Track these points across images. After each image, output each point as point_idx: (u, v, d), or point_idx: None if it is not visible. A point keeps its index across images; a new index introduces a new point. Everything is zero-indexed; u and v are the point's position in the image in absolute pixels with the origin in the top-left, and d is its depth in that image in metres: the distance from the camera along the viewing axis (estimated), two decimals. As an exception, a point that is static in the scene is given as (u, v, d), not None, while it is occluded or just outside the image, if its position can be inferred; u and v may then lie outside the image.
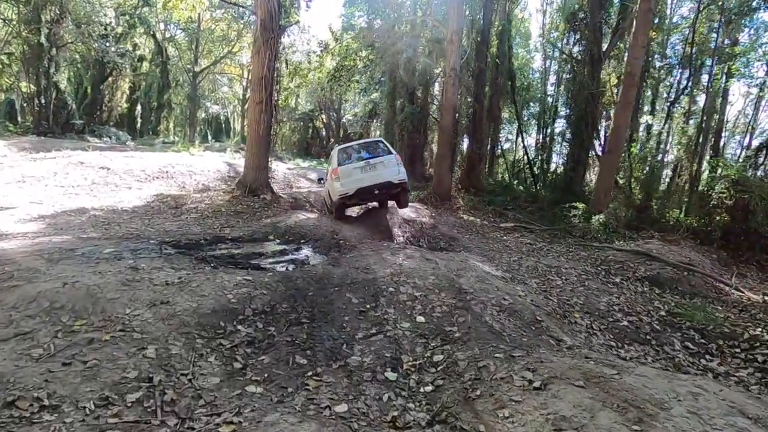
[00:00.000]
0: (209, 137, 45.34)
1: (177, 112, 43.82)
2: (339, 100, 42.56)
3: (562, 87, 32.40)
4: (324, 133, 46.45)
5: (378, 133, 33.71)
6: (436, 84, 30.89)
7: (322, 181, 11.55)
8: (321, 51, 17.64)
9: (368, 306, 4.37)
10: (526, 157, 29.08)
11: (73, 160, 11.65)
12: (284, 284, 4.48)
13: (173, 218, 8.47)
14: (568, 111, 17.55)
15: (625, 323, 5.03)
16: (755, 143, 20.92)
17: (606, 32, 16.84)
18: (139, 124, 34.73)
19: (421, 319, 4.20)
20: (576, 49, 17.72)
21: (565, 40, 19.71)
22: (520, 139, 33.70)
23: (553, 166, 32.67)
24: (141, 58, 34.26)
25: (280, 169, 18.00)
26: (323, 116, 45.22)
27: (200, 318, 3.47)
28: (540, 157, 29.04)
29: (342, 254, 6.78)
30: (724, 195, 11.16)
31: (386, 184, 8.80)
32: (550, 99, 32.82)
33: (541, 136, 31.70)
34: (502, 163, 32.74)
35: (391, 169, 8.78)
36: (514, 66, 25.05)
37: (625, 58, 12.38)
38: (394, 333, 3.93)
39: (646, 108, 19.75)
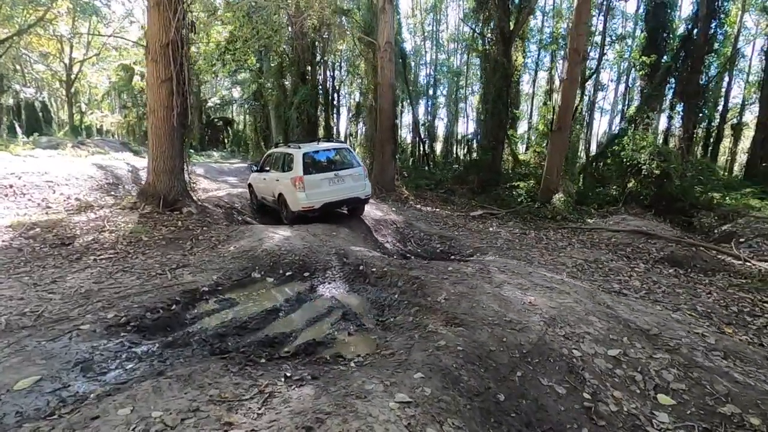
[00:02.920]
0: (18, 130, 34.58)
1: (-37, 99, 32.36)
2: (197, 82, 36.43)
3: (434, 68, 33.70)
4: (180, 119, 39.77)
5: (263, 118, 29.76)
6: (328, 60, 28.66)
7: (252, 169, 10.21)
8: (208, 17, 13.97)
9: (583, 395, 2.75)
10: (418, 138, 29.10)
11: None
12: (456, 391, 2.55)
13: (73, 265, 5.22)
14: (482, 89, 17.49)
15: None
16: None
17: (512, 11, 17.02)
18: None
19: (666, 399, 2.77)
20: (485, 28, 17.61)
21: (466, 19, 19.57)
22: (408, 119, 34.05)
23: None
24: None
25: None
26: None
27: None
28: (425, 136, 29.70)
29: (386, 289, 4.84)
30: (653, 165, 12.13)
31: (354, 200, 8.32)
32: (427, 80, 33.78)
33: (423, 115, 32.55)
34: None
35: (359, 183, 8.26)
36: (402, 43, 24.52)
37: (569, 36, 12.39)
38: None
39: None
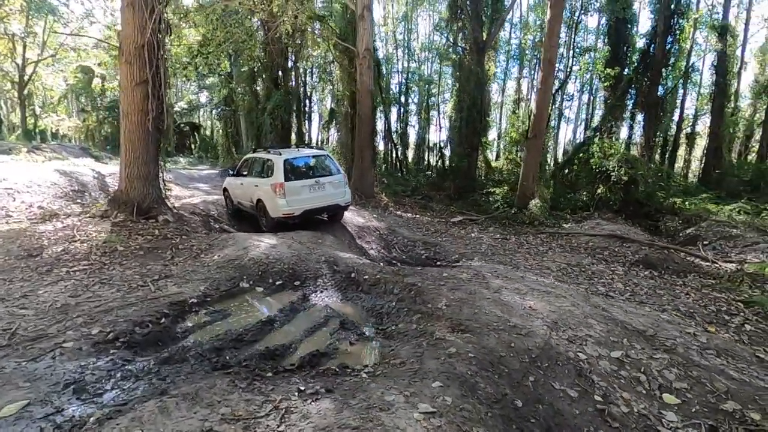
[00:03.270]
0: (-42, 135, 32.17)
1: None
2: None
3: (406, 76, 34.27)
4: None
5: (237, 124, 29.09)
6: (300, 66, 28.38)
7: (229, 173, 10.06)
8: (180, 19, 13.54)
9: (595, 397, 2.79)
10: (391, 144, 29.26)
11: None
12: (475, 399, 2.53)
13: (44, 278, 4.86)
14: (456, 97, 17.80)
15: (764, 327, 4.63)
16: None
17: (484, 22, 17.46)
18: None
19: (671, 398, 2.85)
20: (458, 37, 17.98)
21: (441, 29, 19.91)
22: (380, 126, 34.23)
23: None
24: None
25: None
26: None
27: None
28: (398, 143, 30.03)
29: (382, 296, 4.78)
30: (621, 172, 12.69)
31: (334, 207, 8.32)
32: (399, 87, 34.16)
33: (395, 123, 32.82)
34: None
35: (339, 190, 8.28)
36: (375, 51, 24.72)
37: (543, 48, 12.79)
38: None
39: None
